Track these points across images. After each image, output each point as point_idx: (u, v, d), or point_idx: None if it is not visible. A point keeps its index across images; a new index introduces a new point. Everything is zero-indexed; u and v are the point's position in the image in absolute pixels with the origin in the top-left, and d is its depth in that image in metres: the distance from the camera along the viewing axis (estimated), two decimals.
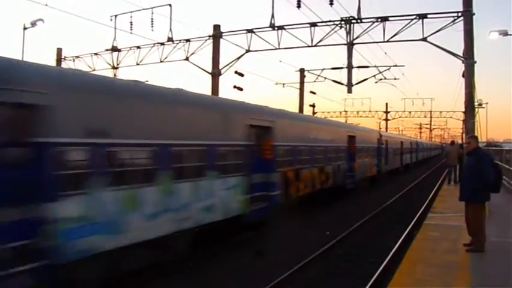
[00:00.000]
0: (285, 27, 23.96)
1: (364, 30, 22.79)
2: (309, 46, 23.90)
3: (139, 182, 9.77)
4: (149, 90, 11.32)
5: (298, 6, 22.12)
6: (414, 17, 21.68)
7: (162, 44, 26.67)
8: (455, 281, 8.08)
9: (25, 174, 7.32)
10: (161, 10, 25.04)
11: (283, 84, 39.69)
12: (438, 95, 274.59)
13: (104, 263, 8.84)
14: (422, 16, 21.53)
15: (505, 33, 26.97)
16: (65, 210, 7.87)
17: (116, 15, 26.44)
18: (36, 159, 7.48)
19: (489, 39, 24.05)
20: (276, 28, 23.90)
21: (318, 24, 23.43)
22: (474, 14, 21.10)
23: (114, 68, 29.02)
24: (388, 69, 32.21)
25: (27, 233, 7.23)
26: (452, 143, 30.31)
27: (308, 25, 23.55)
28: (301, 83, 39.11)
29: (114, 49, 28.55)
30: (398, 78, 35.55)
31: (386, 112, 67.56)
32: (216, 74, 25.69)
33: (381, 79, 32.88)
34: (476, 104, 22.78)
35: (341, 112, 63.63)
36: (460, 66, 21.89)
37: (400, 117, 68.42)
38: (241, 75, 27.75)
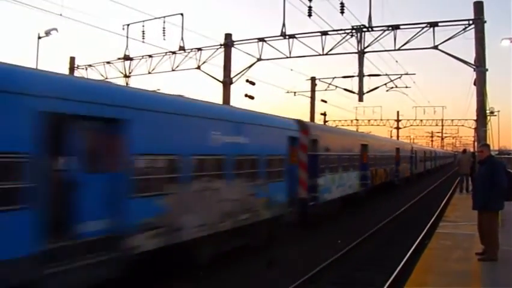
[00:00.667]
0: (296, 35, 24.02)
1: (375, 39, 22.80)
2: (320, 55, 23.92)
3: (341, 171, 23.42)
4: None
5: (310, 15, 22.14)
6: (425, 25, 21.64)
7: (174, 52, 26.83)
8: None
9: None
10: (173, 19, 25.22)
11: (295, 92, 39.71)
12: (449, 103, 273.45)
13: (328, 204, 21.10)
14: (433, 24, 21.49)
15: None
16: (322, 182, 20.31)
17: (128, 25, 26.71)
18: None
19: (501, 47, 23.93)
20: (287, 37, 23.96)
21: (329, 32, 23.46)
22: (485, 21, 21.06)
23: (126, 76, 29.22)
24: (399, 77, 32.17)
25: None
26: (464, 151, 30.14)
27: (319, 34, 23.59)
28: (313, 91, 39.10)
29: (126, 58, 28.76)
30: (409, 87, 35.50)
31: (397, 120, 67.28)
32: (227, 82, 25.78)
33: (392, 87, 32.86)
34: (487, 112, 22.66)
35: (352, 121, 63.50)
36: (471, 74, 21.81)
37: (411, 125, 68.15)
38: (253, 83, 27.80)
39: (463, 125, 67.14)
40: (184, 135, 10.96)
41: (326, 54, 23.81)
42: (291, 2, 24.05)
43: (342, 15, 21.99)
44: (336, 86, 34.41)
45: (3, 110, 7.03)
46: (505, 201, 10.19)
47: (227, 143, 12.48)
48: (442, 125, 70.08)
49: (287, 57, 24.60)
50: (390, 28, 22.30)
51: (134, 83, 29.29)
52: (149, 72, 28.28)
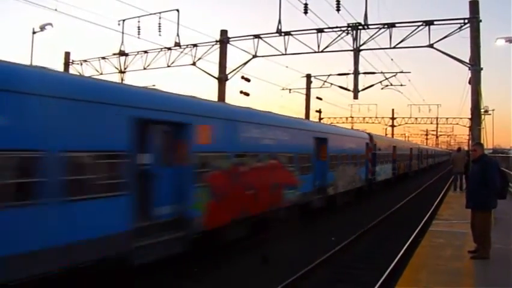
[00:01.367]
0: (292, 33, 24.02)
1: (370, 37, 22.83)
2: (315, 52, 23.94)
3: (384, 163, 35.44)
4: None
5: (305, 12, 22.16)
6: (420, 23, 21.67)
7: (169, 48, 26.81)
8: None
9: None
10: (168, 15, 25.24)
11: (290, 89, 39.69)
12: (444, 102, 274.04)
13: (378, 183, 32.77)
14: (429, 23, 21.52)
15: (511, 40, 26.90)
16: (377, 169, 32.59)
17: (124, 20, 26.64)
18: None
19: (496, 46, 23.98)
20: (282, 34, 23.97)
21: (325, 30, 23.47)
22: (481, 20, 21.09)
23: (121, 72, 29.18)
24: (394, 75, 32.15)
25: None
26: (459, 149, 30.20)
27: (315, 31, 23.60)
28: (308, 88, 39.12)
29: (122, 53, 28.72)
30: (405, 85, 35.47)
31: (392, 118, 67.42)
32: (222, 79, 25.79)
33: (387, 85, 32.82)
34: (482, 110, 22.72)
35: (347, 118, 63.61)
36: (466, 73, 21.85)
37: (406, 123, 68.34)
38: (248, 80, 27.78)
39: (457, 124, 67.43)
40: (230, 137, 13.35)
41: (322, 51, 23.82)
42: None
43: (338, 12, 22.02)
44: (332, 84, 34.47)
45: (113, 119, 9.19)
46: (498, 199, 10.25)
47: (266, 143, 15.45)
48: (437, 123, 70.37)
49: (283, 54, 24.60)
50: (385, 26, 22.32)
51: (130, 78, 29.22)
52: (145, 68, 28.25)
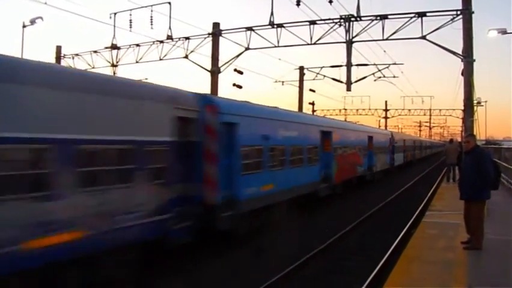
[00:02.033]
0: (285, 25, 23.95)
1: (363, 29, 22.83)
2: (308, 44, 23.93)
3: (398, 152, 47.55)
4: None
5: (298, 4, 22.08)
6: (413, 15, 21.66)
7: (161, 41, 26.67)
8: (452, 279, 8.11)
9: None
10: (160, 8, 25.05)
11: (283, 82, 39.66)
12: (437, 93, 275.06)
13: (395, 167, 45.25)
14: (421, 14, 21.51)
15: (504, 32, 26.89)
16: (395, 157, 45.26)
17: (115, 13, 26.41)
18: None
19: (488, 38, 24.01)
20: (275, 26, 23.90)
21: (318, 22, 23.43)
22: (473, 12, 21.13)
23: (113, 65, 29.01)
24: (387, 67, 32.29)
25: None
26: (451, 141, 30.29)
27: (307, 23, 23.56)
28: (301, 80, 39.10)
29: (113, 47, 28.54)
30: (397, 77, 35.69)
31: (386, 110, 67.49)
32: (215, 71, 25.71)
33: (380, 77, 32.95)
34: (475, 102, 22.78)
35: (340, 110, 63.67)
36: (459, 64, 21.92)
37: (399, 115, 68.53)
38: (241, 73, 27.73)
39: (450, 115, 67.67)
40: (267, 132, 16.02)
41: (314, 43, 23.82)
42: None
43: (331, 4, 22.04)
44: (324, 76, 34.44)
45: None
46: (491, 190, 10.28)
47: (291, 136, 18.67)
48: (430, 115, 70.61)
49: (275, 47, 24.56)
50: (378, 18, 22.30)
51: (122, 72, 29.08)
52: (137, 62, 28.09)
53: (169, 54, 26.94)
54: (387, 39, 22.66)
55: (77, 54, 31.01)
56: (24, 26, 27.13)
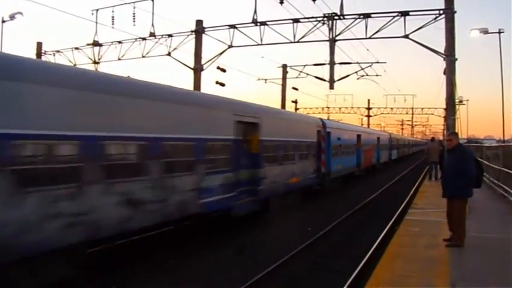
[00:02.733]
0: (268, 23, 23.91)
1: (346, 27, 22.88)
2: (291, 42, 23.90)
3: (394, 149, 62.81)
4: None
5: (281, 2, 22.06)
6: (396, 14, 21.75)
7: (144, 39, 26.48)
8: (434, 276, 8.13)
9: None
10: (143, 5, 24.92)
11: (266, 80, 39.69)
12: (420, 92, 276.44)
13: (393, 160, 61.25)
14: (404, 13, 21.61)
15: (485, 32, 27.21)
16: (393, 152, 62.39)
17: (97, 10, 26.19)
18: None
19: (470, 37, 24.21)
20: (258, 24, 23.85)
21: (301, 20, 23.42)
22: (456, 11, 21.27)
23: (95, 62, 28.75)
24: (370, 65, 32.44)
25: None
26: (433, 139, 30.54)
27: (291, 21, 23.54)
28: (284, 78, 39.14)
29: (95, 44, 28.29)
30: (380, 75, 35.87)
31: (368, 108, 67.74)
32: (198, 69, 25.59)
33: (363, 75, 33.08)
34: (457, 101, 22.96)
35: (323, 108, 63.82)
36: (441, 63, 22.03)
37: (382, 113, 68.69)
38: (224, 70, 27.63)
39: (432, 114, 68.12)
40: (341, 137, 28.42)
41: (298, 41, 23.78)
42: None
43: (314, 2, 22.02)
44: (307, 74, 34.47)
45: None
46: (474, 188, 10.34)
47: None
48: (412, 113, 70.86)
49: (258, 45, 24.51)
50: (361, 16, 22.36)
51: (104, 69, 28.81)
52: (119, 59, 27.87)
53: (152, 51, 26.82)
54: (370, 37, 22.74)
55: (58, 51, 30.67)
56: (3, 21, 26.76)
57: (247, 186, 16.04)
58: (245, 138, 16.23)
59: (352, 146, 33.24)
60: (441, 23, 21.23)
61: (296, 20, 23.44)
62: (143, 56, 26.97)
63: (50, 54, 30.95)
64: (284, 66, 38.82)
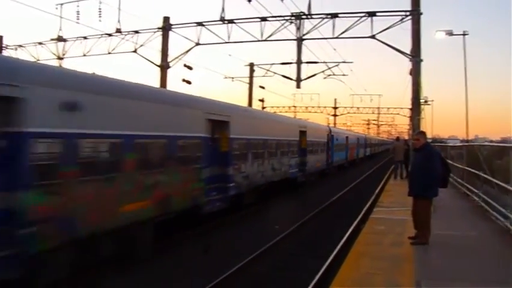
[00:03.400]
0: (235, 21, 23.73)
1: (314, 26, 22.86)
2: (259, 41, 23.78)
3: (369, 148, 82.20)
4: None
5: (249, 0, 21.93)
6: (363, 14, 21.84)
7: (110, 35, 25.96)
8: (400, 273, 8.17)
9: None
10: (109, 0, 24.44)
11: (233, 78, 39.52)
12: (386, 92, 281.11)
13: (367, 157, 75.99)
14: (371, 14, 21.72)
15: (450, 33, 27.63)
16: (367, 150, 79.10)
17: (62, 4, 25.51)
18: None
19: (435, 39, 24.56)
20: (226, 22, 23.68)
21: (268, 19, 23.31)
22: (422, 13, 21.44)
23: (60, 58, 28.12)
24: (337, 65, 32.48)
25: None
26: (397, 138, 30.97)
27: (258, 19, 23.41)
28: (251, 77, 39.11)
29: (60, 39, 27.63)
30: (347, 75, 35.95)
31: (335, 108, 68.14)
32: (164, 66, 25.28)
33: (330, 75, 33.10)
34: (422, 101, 23.25)
35: (290, 107, 63.94)
36: (407, 64, 22.23)
37: (348, 113, 69.09)
38: (190, 68, 27.40)
39: (398, 113, 68.70)
40: (338, 138, 42.65)
41: (265, 40, 23.67)
42: None
43: (282, 1, 21.90)
44: (275, 73, 34.24)
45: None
46: (440, 188, 10.43)
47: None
48: (378, 113, 71.41)
49: (226, 43, 24.29)
50: (329, 16, 22.38)
51: (68, 65, 28.25)
52: (84, 55, 27.24)
53: (118, 48, 26.25)
54: (337, 37, 22.76)
55: (20, 46, 29.88)
56: None
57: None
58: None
59: (343, 145, 45.82)
60: (408, 24, 21.39)
61: (264, 19, 23.34)
62: (109, 53, 26.44)
63: (12, 49, 30.17)
64: (251, 65, 38.78)
